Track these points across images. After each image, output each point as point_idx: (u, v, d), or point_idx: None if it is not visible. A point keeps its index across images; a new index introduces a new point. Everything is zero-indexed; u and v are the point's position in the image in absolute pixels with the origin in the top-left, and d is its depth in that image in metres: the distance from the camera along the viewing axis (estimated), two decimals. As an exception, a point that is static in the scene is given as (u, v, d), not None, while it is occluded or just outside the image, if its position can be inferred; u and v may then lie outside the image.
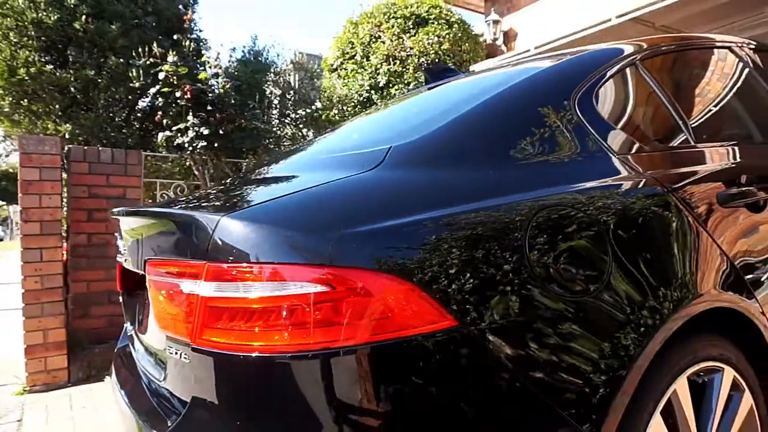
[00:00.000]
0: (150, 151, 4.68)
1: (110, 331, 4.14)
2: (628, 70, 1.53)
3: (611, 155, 1.31)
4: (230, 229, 0.96)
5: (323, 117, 5.13)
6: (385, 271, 0.93)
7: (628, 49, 1.60)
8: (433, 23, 6.11)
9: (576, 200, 1.14)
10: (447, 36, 6.03)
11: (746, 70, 1.95)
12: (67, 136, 4.19)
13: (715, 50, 1.92)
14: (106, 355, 3.89)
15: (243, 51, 5.18)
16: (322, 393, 0.92)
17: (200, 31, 5.33)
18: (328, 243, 0.94)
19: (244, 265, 0.95)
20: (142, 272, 1.26)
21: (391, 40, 6.03)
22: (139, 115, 4.72)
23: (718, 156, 1.56)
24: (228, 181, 1.85)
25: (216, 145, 4.21)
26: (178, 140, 4.14)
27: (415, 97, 1.97)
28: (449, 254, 0.97)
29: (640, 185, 1.28)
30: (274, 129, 5.12)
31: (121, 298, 1.91)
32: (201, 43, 5.22)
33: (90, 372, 3.73)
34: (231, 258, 0.96)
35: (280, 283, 0.93)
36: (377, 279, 0.93)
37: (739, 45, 2.01)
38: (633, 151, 1.39)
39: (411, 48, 5.95)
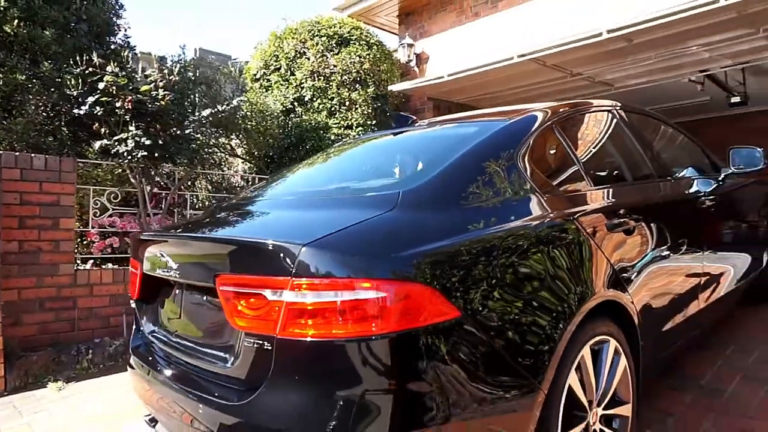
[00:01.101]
0: (79, 158, 4.65)
1: (41, 338, 4.13)
2: (549, 132, 2.15)
3: (541, 197, 1.90)
4: (310, 254, 1.38)
5: (257, 129, 5.39)
6: (418, 281, 1.41)
7: (546, 114, 2.21)
8: (354, 44, 6.59)
9: (525, 230, 1.71)
10: (367, 56, 6.55)
11: (620, 127, 2.69)
12: (-6, 141, 4.09)
13: (601, 113, 2.63)
14: (42, 362, 3.89)
15: (173, 60, 5.27)
16: (376, 367, 1.36)
17: (128, 37, 5.34)
18: (379, 264, 1.39)
19: (321, 279, 1.37)
20: (211, 285, 1.59)
21: (316, 57, 6.43)
22: (63, 120, 4.66)
23: (606, 195, 2.23)
24: (247, 205, 2.18)
25: (156, 154, 4.35)
26: (117, 148, 4.22)
27: (392, 141, 2.46)
28: (455, 270, 1.47)
29: (559, 219, 1.88)
30: (204, 139, 5.28)
31: (134, 305, 2.17)
32: (129, 50, 5.25)
33: (27, 380, 3.72)
34: (310, 274, 1.37)
35: (347, 291, 1.37)
36: (413, 287, 1.40)
37: (615, 107, 2.74)
38: (554, 193, 1.99)
39: (335, 65, 6.39)
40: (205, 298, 1.77)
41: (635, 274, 2.15)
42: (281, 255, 1.41)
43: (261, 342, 1.45)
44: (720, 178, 3.39)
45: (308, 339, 1.38)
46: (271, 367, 1.43)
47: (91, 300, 4.34)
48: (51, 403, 3.38)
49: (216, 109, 5.06)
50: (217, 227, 1.85)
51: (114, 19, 5.37)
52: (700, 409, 2.53)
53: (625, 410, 1.99)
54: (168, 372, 1.83)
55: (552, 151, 2.22)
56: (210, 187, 6.32)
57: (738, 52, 5.34)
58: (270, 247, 1.45)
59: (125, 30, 5.15)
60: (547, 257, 1.73)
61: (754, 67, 6.48)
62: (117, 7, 5.48)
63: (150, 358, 1.97)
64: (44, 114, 4.28)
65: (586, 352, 1.80)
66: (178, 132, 4.59)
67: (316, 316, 1.38)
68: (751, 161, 3.34)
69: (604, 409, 1.89)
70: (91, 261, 4.57)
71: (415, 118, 2.68)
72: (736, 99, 7.75)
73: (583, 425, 1.77)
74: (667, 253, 2.46)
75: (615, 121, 2.68)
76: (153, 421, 2.04)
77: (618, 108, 2.76)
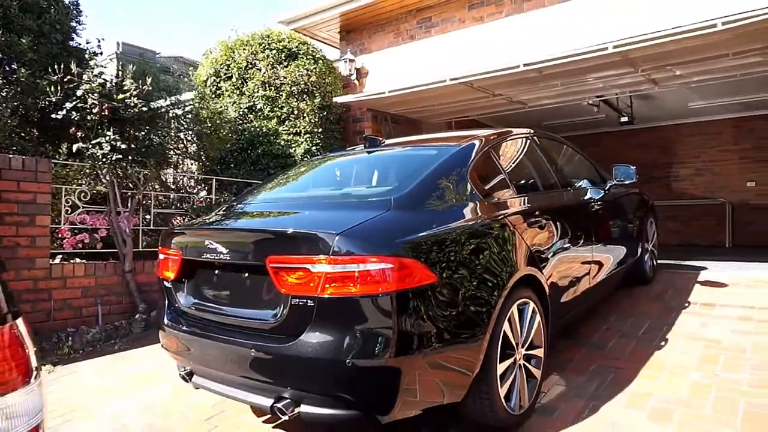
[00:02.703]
0: (47, 158, 4.91)
1: (18, 329, 4.37)
2: (486, 154, 2.95)
3: (482, 202, 2.69)
4: (341, 240, 2.05)
5: (215, 134, 5.85)
6: (411, 257, 2.12)
7: (482, 141, 3.01)
8: (302, 58, 7.18)
9: (472, 225, 2.48)
10: (314, 70, 7.17)
11: (534, 149, 3.57)
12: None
13: (520, 139, 3.50)
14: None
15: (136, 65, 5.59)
16: (383, 313, 2.06)
17: (88, 42, 5.58)
18: (387, 246, 2.10)
19: (346, 257, 2.05)
20: (260, 263, 2.21)
21: (267, 69, 6.95)
22: (33, 123, 4.90)
23: (527, 201, 3.07)
24: (267, 204, 2.81)
25: (130, 157, 4.73)
26: (93, 151, 4.56)
27: (373, 158, 3.17)
28: (433, 249, 2.21)
29: (495, 217, 2.68)
30: (166, 142, 5.66)
31: (169, 285, 2.70)
32: (86, 53, 5.53)
33: (13, 365, 4.00)
34: (340, 253, 2.05)
35: (362, 264, 2.06)
36: (405, 260, 2.11)
37: (531, 134, 3.63)
38: (492, 200, 2.79)
39: (284, 77, 6.95)
40: (246, 274, 2.38)
41: (547, 257, 3.00)
42: (321, 240, 2.08)
43: (305, 301, 2.10)
44: (606, 188, 4.41)
45: (339, 296, 2.06)
46: (312, 317, 2.09)
47: (64, 292, 4.65)
48: (46, 384, 3.73)
49: (176, 112, 5.50)
50: (254, 220, 2.45)
51: (75, 25, 5.61)
52: (589, 357, 3.46)
53: (539, 352, 2.82)
54: (215, 333, 2.40)
55: (488, 168, 3.03)
56: (158, 187, 6.65)
57: (623, 84, 6.57)
58: (314, 235, 2.12)
59: (99, 41, 5.41)
60: (487, 244, 2.51)
61: (639, 95, 7.87)
62: (76, 12, 5.71)
63: (193, 325, 2.53)
64: (23, 118, 4.53)
65: (514, 309, 2.61)
66: (147, 136, 4.98)
67: (344, 281, 2.06)
68: (628, 176, 4.40)
69: (526, 350, 2.71)
70: (60, 256, 4.84)
71: (382, 139, 3.39)
72: (624, 119, 9.21)
73: (512, 359, 2.58)
74: (568, 244, 3.35)
75: (530, 144, 3.56)
76: (189, 375, 2.60)
77: (532, 134, 3.64)
